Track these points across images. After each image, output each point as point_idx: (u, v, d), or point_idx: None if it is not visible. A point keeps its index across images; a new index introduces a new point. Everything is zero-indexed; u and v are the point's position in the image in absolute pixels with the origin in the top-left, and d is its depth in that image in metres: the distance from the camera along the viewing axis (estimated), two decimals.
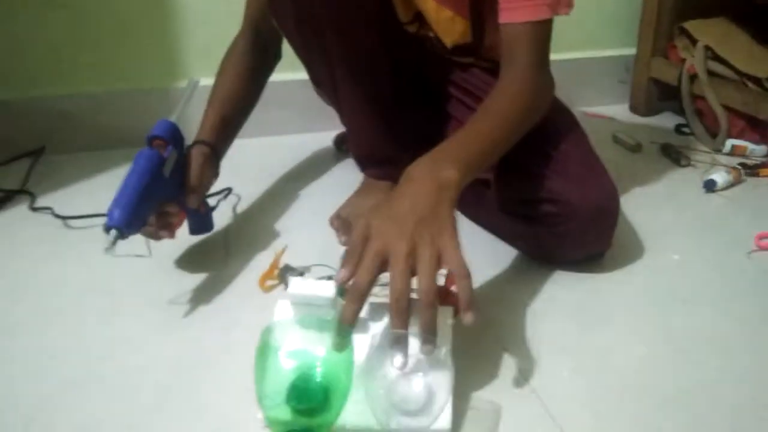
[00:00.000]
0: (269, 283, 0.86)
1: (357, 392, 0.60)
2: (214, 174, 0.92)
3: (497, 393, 0.68)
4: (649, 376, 0.72)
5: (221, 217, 1.01)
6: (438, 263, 0.61)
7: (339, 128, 1.25)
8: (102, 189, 1.09)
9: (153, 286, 0.86)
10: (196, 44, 1.31)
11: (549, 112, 0.88)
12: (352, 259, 0.61)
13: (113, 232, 0.70)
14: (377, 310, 0.66)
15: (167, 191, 0.80)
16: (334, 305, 0.63)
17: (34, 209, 1.06)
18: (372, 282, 0.60)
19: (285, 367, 0.60)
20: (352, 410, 0.60)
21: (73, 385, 0.70)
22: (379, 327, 0.64)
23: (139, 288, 0.86)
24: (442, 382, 0.60)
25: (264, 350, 0.61)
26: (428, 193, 0.64)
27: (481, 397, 0.67)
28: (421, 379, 0.60)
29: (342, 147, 1.29)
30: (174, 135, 0.80)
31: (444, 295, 0.70)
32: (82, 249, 0.95)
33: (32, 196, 1.10)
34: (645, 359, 0.74)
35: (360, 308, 0.60)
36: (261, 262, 0.91)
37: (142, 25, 1.29)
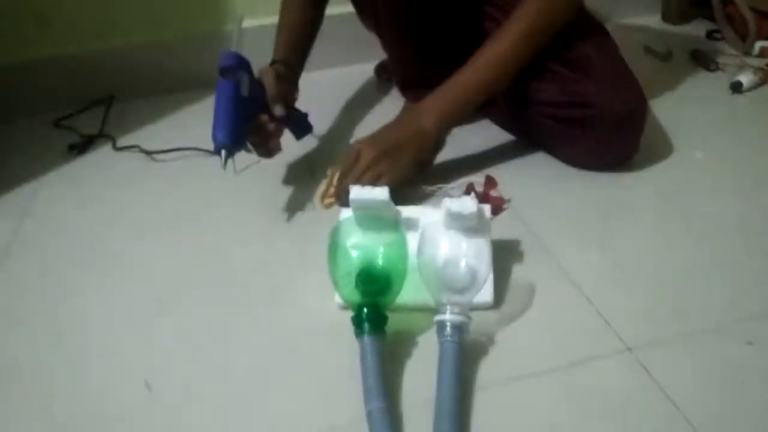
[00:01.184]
0: (327, 201, 0.97)
1: (413, 276, 0.72)
2: (294, 88, 1.04)
3: (533, 276, 0.79)
4: (670, 260, 0.81)
5: (305, 145, 1.11)
6: (371, 181, 0.88)
7: (379, 57, 1.34)
8: (174, 129, 1.26)
9: (243, 205, 0.98)
10: None
11: (578, 20, 0.95)
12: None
13: (223, 152, 0.82)
14: (424, 212, 0.78)
15: (253, 109, 0.91)
16: (388, 206, 0.75)
17: (118, 149, 1.20)
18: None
19: (352, 257, 0.72)
20: (410, 290, 0.72)
21: (178, 285, 0.84)
22: (426, 223, 0.76)
23: (229, 208, 0.99)
24: (482, 264, 0.71)
25: (334, 246, 0.73)
26: (402, 137, 0.92)
27: (519, 278, 0.79)
28: (465, 262, 0.71)
29: (383, 75, 1.37)
30: (239, 61, 0.89)
31: (484, 196, 0.87)
32: (169, 178, 1.09)
33: (112, 139, 1.23)
34: (666, 245, 0.84)
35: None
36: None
37: None
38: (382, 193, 0.74)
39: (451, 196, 0.75)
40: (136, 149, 1.18)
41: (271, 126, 0.94)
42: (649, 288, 0.77)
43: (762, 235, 0.84)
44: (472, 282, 0.70)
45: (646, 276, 0.79)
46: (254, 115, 0.91)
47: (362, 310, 0.68)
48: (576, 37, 0.95)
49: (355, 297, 0.70)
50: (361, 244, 0.73)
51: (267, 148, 0.95)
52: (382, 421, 0.60)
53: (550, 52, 0.94)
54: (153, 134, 1.25)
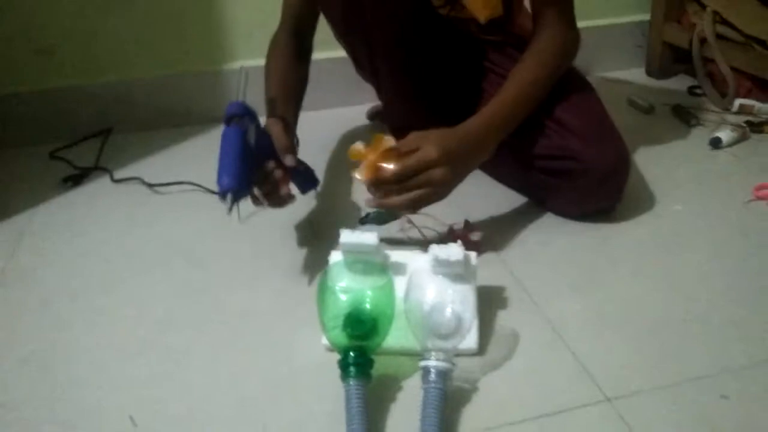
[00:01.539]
0: (362, 174, 0.90)
1: (399, 321, 0.74)
2: (296, 142, 1.02)
3: (517, 323, 0.81)
4: (649, 310, 0.84)
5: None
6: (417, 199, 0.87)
7: (371, 102, 1.38)
8: (171, 163, 1.28)
9: (239, 244, 1.00)
10: (240, 29, 1.43)
11: (565, 76, 1.00)
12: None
13: (229, 195, 0.79)
14: (413, 257, 0.80)
15: (259, 158, 0.88)
16: (377, 251, 0.77)
17: (116, 180, 1.22)
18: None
19: (341, 300, 0.74)
20: (396, 335, 0.74)
21: (167, 322, 0.85)
22: (414, 268, 0.78)
23: (225, 246, 1.01)
24: (468, 311, 0.74)
25: (323, 288, 0.75)
26: (472, 152, 0.92)
27: (503, 325, 0.81)
28: (450, 309, 0.73)
29: (375, 119, 1.41)
30: (246, 110, 0.88)
31: (465, 240, 0.88)
32: (167, 212, 1.11)
33: (109, 171, 1.25)
34: (645, 295, 0.86)
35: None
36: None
37: (190, 14, 1.42)
38: (371, 238, 0.77)
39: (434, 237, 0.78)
40: (135, 181, 1.20)
41: (279, 173, 0.89)
42: (628, 338, 0.79)
43: (733, 290, 0.87)
44: (457, 328, 0.72)
45: (626, 326, 0.81)
46: (260, 165, 0.88)
47: (348, 353, 0.69)
48: (563, 93, 1.00)
49: (342, 340, 0.72)
50: (349, 288, 0.75)
51: (278, 196, 0.89)
52: None
53: (541, 108, 0.98)
54: (150, 168, 1.27)
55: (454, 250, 0.75)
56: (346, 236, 0.77)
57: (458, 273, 0.76)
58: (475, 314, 0.75)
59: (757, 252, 0.94)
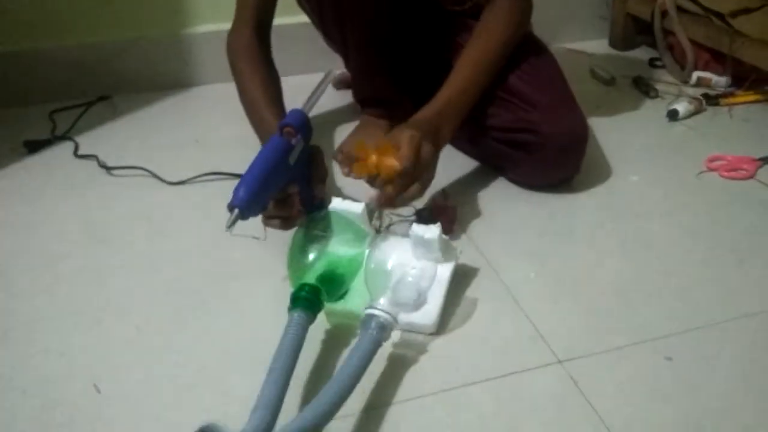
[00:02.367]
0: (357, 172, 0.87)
1: (363, 288, 0.76)
2: None
3: (476, 289, 0.84)
4: (602, 276, 0.87)
5: None
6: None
7: (337, 69, 1.37)
8: (138, 131, 1.27)
9: (201, 222, 1.01)
10: None
11: (525, 47, 1.02)
12: None
13: (236, 211, 0.71)
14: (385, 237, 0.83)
15: (288, 179, 0.80)
16: (362, 218, 0.82)
17: (79, 156, 1.20)
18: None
19: (319, 245, 0.79)
20: (356, 301, 0.77)
21: (126, 290, 0.85)
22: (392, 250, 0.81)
23: (188, 222, 1.01)
24: (435, 292, 0.78)
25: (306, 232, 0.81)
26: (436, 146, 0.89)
27: (462, 290, 0.83)
28: (413, 280, 0.76)
29: (341, 88, 1.41)
30: (304, 125, 0.80)
31: (445, 209, 0.95)
32: (125, 191, 1.10)
33: (75, 143, 1.23)
34: (600, 262, 0.90)
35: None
36: None
37: None
38: (358, 206, 0.82)
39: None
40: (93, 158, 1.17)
41: (297, 200, 0.83)
42: (581, 304, 0.82)
43: (683, 258, 0.90)
44: (417, 303, 0.76)
45: (580, 292, 0.84)
46: (282, 186, 0.79)
47: (303, 287, 0.71)
48: (522, 64, 1.01)
49: (304, 277, 0.74)
50: (329, 242, 0.79)
51: (288, 221, 0.84)
52: (276, 378, 0.61)
53: (499, 80, 1.00)
54: (121, 140, 1.25)
55: (431, 230, 0.78)
56: (336, 202, 0.82)
57: (436, 255, 0.79)
58: (441, 297, 0.78)
59: (708, 222, 0.98)
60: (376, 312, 0.69)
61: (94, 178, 1.12)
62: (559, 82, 1.04)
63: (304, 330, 0.68)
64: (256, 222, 0.77)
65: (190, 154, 1.20)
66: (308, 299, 0.70)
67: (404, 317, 0.75)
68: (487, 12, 1.00)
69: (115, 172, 1.13)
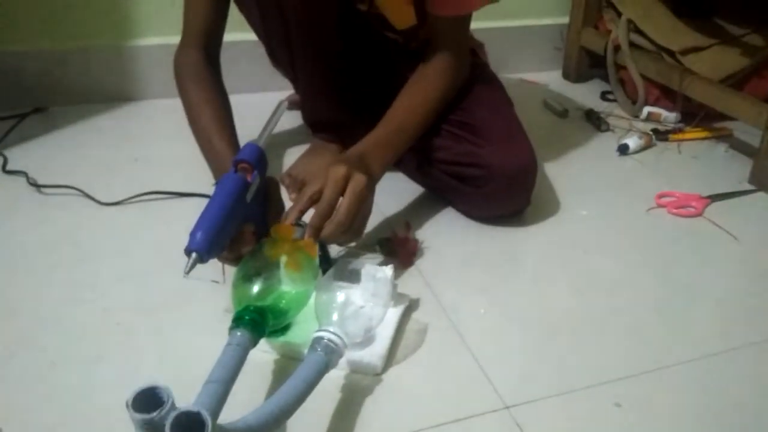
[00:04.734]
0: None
1: (308, 320, 0.73)
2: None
3: (423, 327, 0.80)
4: (551, 315, 0.85)
5: None
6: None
7: (290, 89, 1.33)
8: (72, 146, 1.19)
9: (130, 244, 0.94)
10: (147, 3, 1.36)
11: (475, 81, 1.01)
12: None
13: (194, 255, 0.67)
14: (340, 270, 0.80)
15: (246, 217, 0.77)
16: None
17: (7, 172, 1.12)
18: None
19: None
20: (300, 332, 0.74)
21: (39, 325, 0.78)
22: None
23: (112, 245, 0.94)
24: (383, 332, 0.75)
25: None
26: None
27: (409, 328, 0.80)
28: (367, 321, 0.73)
29: (294, 108, 1.37)
30: (260, 160, 0.77)
31: (408, 244, 0.93)
32: (49, 208, 1.02)
33: (4, 158, 1.15)
34: (548, 299, 0.87)
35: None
36: None
37: None
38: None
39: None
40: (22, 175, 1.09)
41: (251, 239, 0.78)
42: (529, 344, 0.80)
43: (633, 296, 0.89)
44: (365, 342, 0.72)
45: (527, 331, 0.82)
46: (241, 224, 0.76)
47: (247, 307, 0.67)
48: (470, 99, 1.01)
49: (248, 300, 0.69)
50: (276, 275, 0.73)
51: (239, 257, 0.78)
52: (213, 391, 0.57)
53: (446, 113, 0.99)
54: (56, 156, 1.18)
55: (384, 270, 0.78)
56: None
57: (385, 296, 0.76)
58: (389, 339, 0.75)
59: (658, 259, 0.97)
60: (325, 334, 0.66)
61: (22, 197, 1.05)
62: (507, 114, 1.03)
63: (245, 350, 0.63)
64: (212, 262, 0.73)
65: (129, 172, 1.14)
66: (253, 320, 0.66)
67: (350, 354, 0.71)
68: (428, 61, 0.98)
69: (46, 190, 1.06)
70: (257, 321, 0.66)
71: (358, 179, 0.81)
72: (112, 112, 1.37)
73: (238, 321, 0.66)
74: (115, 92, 1.40)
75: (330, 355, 0.65)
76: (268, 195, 0.81)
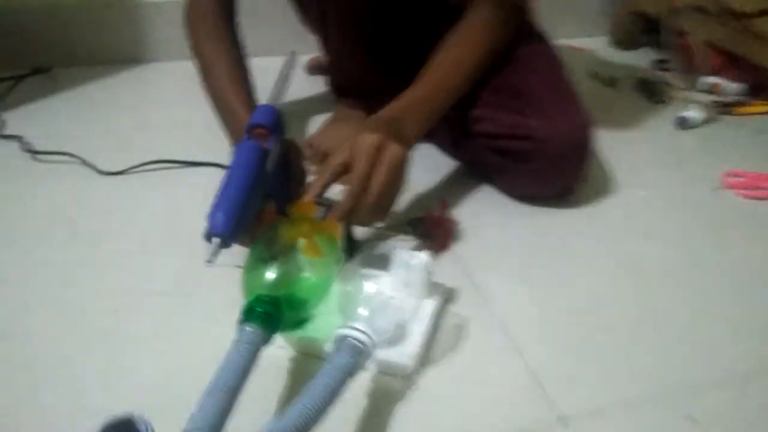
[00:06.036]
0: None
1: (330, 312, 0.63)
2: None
3: (462, 321, 0.69)
4: (608, 310, 0.73)
5: None
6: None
7: (311, 53, 1.22)
8: (70, 110, 1.09)
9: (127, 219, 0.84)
10: None
11: (522, 41, 0.88)
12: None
13: (215, 240, 0.58)
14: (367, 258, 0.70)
15: (269, 188, 0.67)
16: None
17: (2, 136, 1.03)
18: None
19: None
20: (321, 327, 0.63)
21: (22, 310, 0.69)
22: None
23: (111, 220, 0.84)
24: (416, 328, 0.64)
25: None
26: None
27: (448, 323, 0.69)
28: (397, 316, 0.62)
29: (315, 73, 1.26)
30: (277, 123, 0.67)
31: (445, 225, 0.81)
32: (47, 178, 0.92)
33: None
34: (604, 292, 0.76)
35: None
36: None
37: None
38: None
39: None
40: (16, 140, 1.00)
41: (274, 218, 0.69)
42: (584, 344, 0.68)
43: (700, 291, 0.77)
44: (395, 339, 0.62)
45: (582, 329, 0.70)
46: (265, 200, 0.67)
47: (260, 297, 0.57)
48: (517, 62, 0.88)
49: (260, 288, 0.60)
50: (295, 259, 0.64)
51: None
52: (217, 399, 0.48)
53: (488, 78, 0.87)
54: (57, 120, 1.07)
55: (418, 255, 0.66)
56: None
57: (419, 285, 0.66)
58: (422, 336, 0.64)
59: (729, 246, 0.85)
60: (351, 332, 0.55)
61: (16, 164, 0.95)
62: (559, 80, 0.90)
63: (255, 350, 0.53)
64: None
65: (135, 139, 1.04)
66: (266, 313, 0.56)
67: (378, 353, 0.60)
68: (469, 15, 0.86)
69: (41, 157, 0.96)
70: (271, 314, 0.56)
71: (393, 150, 0.70)
72: (119, 74, 1.27)
73: (248, 314, 0.56)
74: (124, 53, 1.30)
75: (357, 357, 0.54)
76: (289, 162, 0.71)
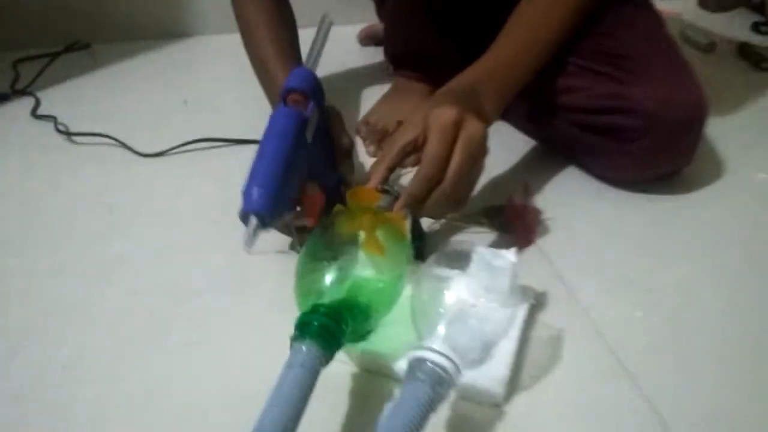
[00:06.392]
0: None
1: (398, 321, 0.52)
2: None
3: (557, 334, 0.58)
4: (732, 318, 0.60)
5: None
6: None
7: (362, 22, 1.11)
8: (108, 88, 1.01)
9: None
10: None
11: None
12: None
13: (254, 220, 0.51)
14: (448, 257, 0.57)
15: (311, 162, 0.59)
16: None
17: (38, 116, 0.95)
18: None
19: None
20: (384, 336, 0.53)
21: (56, 310, 0.60)
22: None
23: (152, 208, 0.76)
24: (504, 344, 0.52)
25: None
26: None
27: (540, 336, 0.57)
28: (481, 332, 0.50)
29: (368, 44, 1.16)
30: (314, 87, 0.61)
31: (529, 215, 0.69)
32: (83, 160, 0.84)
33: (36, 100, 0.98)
34: (727, 299, 0.62)
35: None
36: None
37: None
38: None
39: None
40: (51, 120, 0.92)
41: (320, 197, 0.60)
42: (711, 366, 0.55)
43: None
44: (480, 359, 0.50)
45: (706, 347, 0.57)
46: (306, 173, 0.59)
47: (318, 308, 0.47)
48: (614, 22, 0.74)
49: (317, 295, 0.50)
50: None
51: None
52: None
53: (577, 42, 0.73)
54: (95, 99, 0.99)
55: (505, 255, 0.55)
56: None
57: (505, 291, 0.54)
58: (512, 355, 0.52)
59: None
60: (430, 355, 0.45)
61: (50, 146, 0.88)
62: (666, 42, 0.76)
63: (313, 375, 0.44)
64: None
65: (177, 118, 0.95)
66: (325, 328, 0.46)
67: (462, 377, 0.49)
68: None
69: (77, 139, 0.88)
70: (330, 329, 0.46)
71: (474, 128, 0.58)
72: (161, 49, 1.18)
73: (303, 328, 0.46)
74: (167, 27, 1.21)
75: (438, 388, 0.44)
76: (332, 129, 0.63)
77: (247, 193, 0.52)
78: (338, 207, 0.58)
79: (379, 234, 0.54)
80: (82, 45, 1.17)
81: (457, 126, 0.57)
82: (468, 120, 0.58)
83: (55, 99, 0.99)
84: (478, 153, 0.59)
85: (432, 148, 0.57)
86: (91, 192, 0.78)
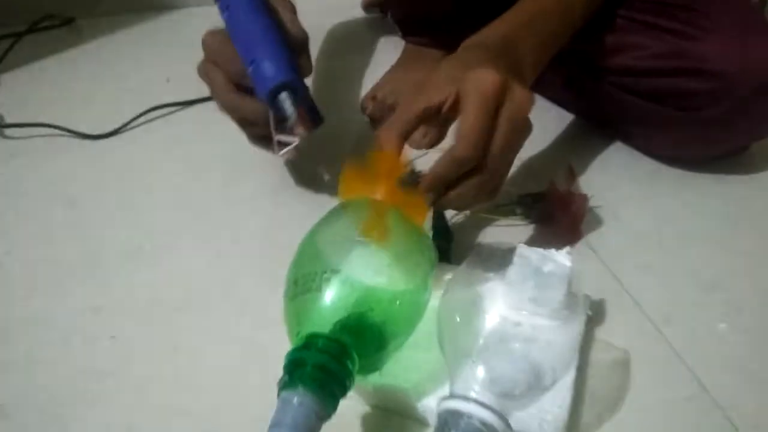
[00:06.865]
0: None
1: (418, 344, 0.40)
2: None
3: (619, 344, 0.46)
4: None
5: None
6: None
7: None
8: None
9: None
10: None
11: None
12: None
13: (285, 96, 0.47)
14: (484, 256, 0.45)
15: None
16: None
17: None
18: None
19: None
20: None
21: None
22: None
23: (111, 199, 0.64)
24: (560, 370, 0.39)
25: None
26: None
27: (601, 351, 0.45)
28: (528, 357, 0.38)
29: (372, 11, 1.04)
30: None
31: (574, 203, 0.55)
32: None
33: None
34: None
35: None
36: None
37: None
38: None
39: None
40: None
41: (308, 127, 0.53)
42: None
43: None
44: (530, 395, 0.37)
45: None
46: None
47: (315, 340, 0.35)
48: None
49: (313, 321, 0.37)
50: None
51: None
52: None
53: None
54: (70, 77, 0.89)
55: (556, 257, 0.43)
56: None
57: (559, 302, 0.41)
58: (570, 387, 0.40)
59: None
60: (469, 408, 0.34)
61: None
62: None
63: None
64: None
65: (129, 95, 0.83)
66: (323, 368, 0.34)
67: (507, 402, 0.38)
68: None
69: (10, 132, 0.76)
70: (332, 370, 0.34)
71: (522, 98, 0.45)
72: (143, 23, 1.07)
73: (294, 371, 0.34)
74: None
75: None
76: (284, 23, 0.53)
77: (259, 74, 0.47)
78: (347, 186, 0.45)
79: (392, 221, 0.42)
80: (63, 20, 1.04)
81: (502, 94, 0.44)
82: (514, 87, 0.45)
83: (15, 80, 0.88)
84: (524, 129, 0.46)
85: (472, 121, 0.43)
86: (43, 187, 0.67)
